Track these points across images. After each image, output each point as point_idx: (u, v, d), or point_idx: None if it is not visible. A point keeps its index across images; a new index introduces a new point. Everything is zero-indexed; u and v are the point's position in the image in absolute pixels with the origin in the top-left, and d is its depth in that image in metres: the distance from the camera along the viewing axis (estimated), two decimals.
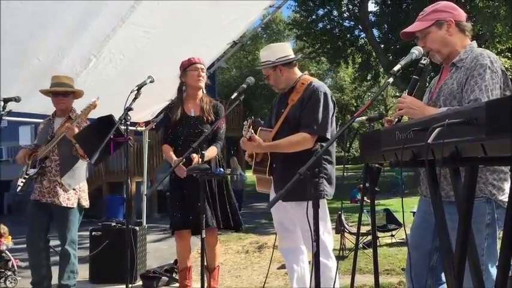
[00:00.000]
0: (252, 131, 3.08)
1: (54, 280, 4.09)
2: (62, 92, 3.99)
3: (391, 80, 2.20)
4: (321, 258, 2.94)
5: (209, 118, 3.92)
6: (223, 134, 4.02)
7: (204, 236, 2.96)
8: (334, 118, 3.22)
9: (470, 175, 1.45)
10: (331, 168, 3.20)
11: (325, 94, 3.16)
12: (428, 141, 1.39)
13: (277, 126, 3.24)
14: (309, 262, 3.42)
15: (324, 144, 3.11)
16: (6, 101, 3.79)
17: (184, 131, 3.90)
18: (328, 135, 3.12)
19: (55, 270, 4.07)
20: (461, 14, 2.42)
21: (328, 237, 3.21)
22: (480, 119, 1.25)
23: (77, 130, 3.80)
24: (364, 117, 2.76)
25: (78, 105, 4.07)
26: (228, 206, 3.95)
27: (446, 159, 1.40)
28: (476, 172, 1.47)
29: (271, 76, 3.28)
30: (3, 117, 3.92)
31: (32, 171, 3.91)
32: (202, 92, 4.05)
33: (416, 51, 2.30)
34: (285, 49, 3.33)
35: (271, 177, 3.28)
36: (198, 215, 3.70)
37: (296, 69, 3.33)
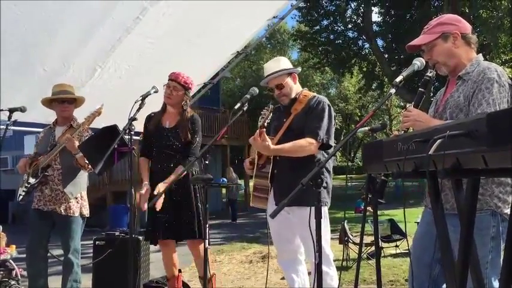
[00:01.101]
0: (269, 141, 3.03)
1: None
2: (67, 99, 4.01)
3: (393, 91, 2.21)
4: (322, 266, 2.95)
5: (183, 133, 3.76)
6: (196, 149, 3.80)
7: (207, 246, 2.96)
8: (333, 130, 3.31)
9: (472, 187, 1.46)
10: (329, 178, 3.26)
11: (329, 106, 3.28)
12: (430, 152, 1.40)
13: (279, 134, 3.26)
14: (309, 273, 3.41)
15: (324, 153, 3.17)
16: (11, 111, 3.82)
17: (157, 142, 3.83)
18: (332, 143, 3.21)
19: (58, 280, 4.07)
20: (467, 27, 2.42)
21: (328, 244, 3.23)
22: (481, 131, 1.25)
23: (76, 142, 3.80)
24: (367, 128, 2.78)
25: (81, 113, 4.09)
26: (187, 216, 3.77)
27: (447, 170, 1.41)
28: (478, 184, 1.48)
29: (288, 84, 3.32)
30: (9, 127, 3.95)
31: (33, 180, 3.91)
32: (185, 105, 3.85)
33: (418, 62, 2.31)
34: (289, 62, 3.45)
35: (271, 184, 3.27)
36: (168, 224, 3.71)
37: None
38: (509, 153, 1.19)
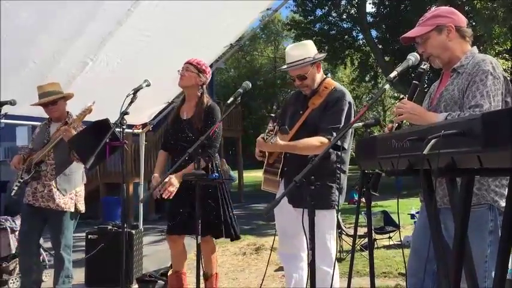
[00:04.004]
0: (277, 138, 2.76)
1: (47, 284, 4.06)
2: (50, 102, 3.96)
3: (387, 86, 2.20)
4: (324, 267, 2.93)
5: (197, 122, 3.65)
6: (216, 141, 3.68)
7: (199, 241, 2.94)
8: (350, 130, 3.13)
9: (466, 186, 1.44)
10: (344, 178, 3.14)
11: (349, 104, 3.10)
12: (424, 152, 1.38)
13: (294, 130, 3.12)
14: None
15: (333, 151, 3.05)
16: (1, 104, 3.77)
17: (174, 135, 3.76)
18: (346, 145, 3.08)
19: (50, 274, 4.04)
20: (462, 20, 2.41)
21: (334, 246, 3.13)
22: (476, 131, 1.24)
23: (74, 132, 3.78)
24: (360, 124, 2.75)
25: (74, 108, 4.04)
26: (221, 214, 3.78)
27: (441, 169, 1.40)
28: (472, 182, 1.47)
29: (311, 74, 3.11)
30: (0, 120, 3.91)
31: (26, 176, 3.88)
32: (201, 93, 3.74)
33: (412, 57, 2.30)
34: (315, 47, 3.23)
35: (281, 179, 3.22)
36: (183, 220, 3.64)
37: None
38: (505, 154, 1.17)
